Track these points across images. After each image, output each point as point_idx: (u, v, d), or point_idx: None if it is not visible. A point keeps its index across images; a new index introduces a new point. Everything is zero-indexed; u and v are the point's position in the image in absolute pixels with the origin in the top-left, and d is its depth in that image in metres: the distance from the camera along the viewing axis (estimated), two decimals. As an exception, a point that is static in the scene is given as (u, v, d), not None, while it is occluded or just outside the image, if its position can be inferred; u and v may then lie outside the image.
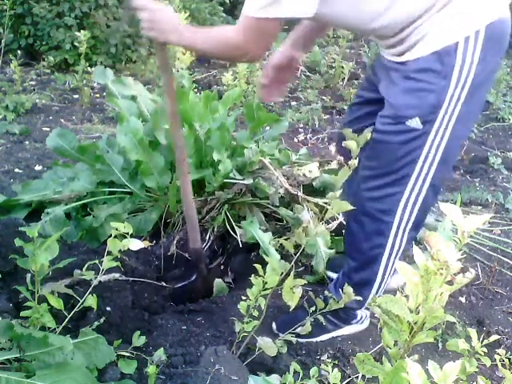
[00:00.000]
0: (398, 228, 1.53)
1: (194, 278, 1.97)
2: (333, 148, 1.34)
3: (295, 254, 1.44)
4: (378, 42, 1.50)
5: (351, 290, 1.51)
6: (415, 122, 1.36)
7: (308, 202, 2.16)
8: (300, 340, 1.67)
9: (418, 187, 1.46)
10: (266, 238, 2.02)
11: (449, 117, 1.36)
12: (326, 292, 1.68)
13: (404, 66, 1.38)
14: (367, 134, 1.34)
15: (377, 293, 1.65)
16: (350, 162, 1.32)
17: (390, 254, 1.58)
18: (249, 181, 2.13)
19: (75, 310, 1.42)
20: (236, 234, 2.09)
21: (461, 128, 1.40)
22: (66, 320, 1.41)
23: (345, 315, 1.71)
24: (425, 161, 1.42)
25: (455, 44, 1.29)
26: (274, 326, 1.74)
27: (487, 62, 1.31)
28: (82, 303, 1.42)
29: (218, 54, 1.53)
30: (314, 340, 1.72)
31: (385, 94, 1.46)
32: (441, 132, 1.38)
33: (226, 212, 2.14)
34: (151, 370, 1.39)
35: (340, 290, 1.64)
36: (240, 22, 1.34)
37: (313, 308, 1.60)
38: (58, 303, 1.36)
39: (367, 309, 1.76)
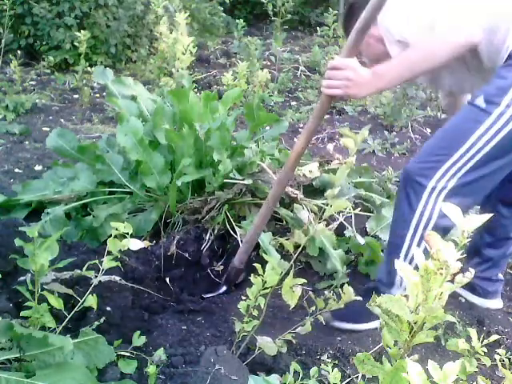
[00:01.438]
0: (431, 194, 1.56)
1: (222, 291, 2.00)
2: (331, 146, 1.33)
3: (295, 254, 1.44)
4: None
5: (351, 289, 1.50)
6: (480, 101, 1.45)
7: (308, 203, 2.17)
8: (348, 326, 1.73)
9: (461, 162, 1.51)
10: (266, 238, 2.02)
11: None
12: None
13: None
14: (365, 132, 1.34)
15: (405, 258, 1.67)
16: (347, 160, 1.32)
17: (419, 221, 1.60)
18: (249, 181, 2.13)
19: (75, 310, 1.42)
20: (236, 234, 2.09)
21: None
22: (66, 320, 1.41)
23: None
24: (478, 139, 1.47)
25: None
26: (327, 317, 1.71)
27: None
28: (82, 303, 1.42)
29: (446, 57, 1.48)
30: (363, 328, 1.76)
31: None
32: (505, 117, 1.43)
33: (225, 212, 2.14)
34: (151, 369, 1.39)
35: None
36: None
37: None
38: (57, 303, 1.36)
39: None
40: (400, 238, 1.65)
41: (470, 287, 1.99)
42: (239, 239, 2.06)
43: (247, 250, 1.86)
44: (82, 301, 1.41)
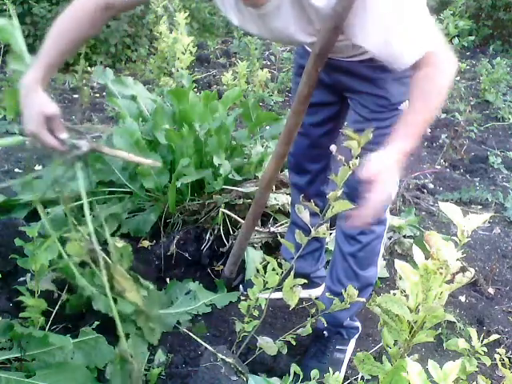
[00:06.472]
0: None
1: None
2: (334, 148, 1.31)
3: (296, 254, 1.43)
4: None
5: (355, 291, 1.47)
6: (405, 105, 1.47)
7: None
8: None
9: None
10: (256, 257, 2.02)
11: None
12: None
13: (373, 62, 1.43)
14: (369, 133, 1.33)
15: None
16: (350, 162, 1.31)
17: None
18: (247, 189, 2.13)
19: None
20: (232, 236, 2.10)
21: None
22: (52, 317, 1.41)
23: None
24: None
25: None
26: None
27: None
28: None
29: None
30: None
31: (363, 89, 1.52)
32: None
33: (225, 213, 2.14)
34: (155, 371, 1.39)
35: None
36: (441, 51, 1.22)
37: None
38: (36, 302, 1.35)
39: None
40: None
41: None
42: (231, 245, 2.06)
43: (235, 262, 1.89)
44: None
